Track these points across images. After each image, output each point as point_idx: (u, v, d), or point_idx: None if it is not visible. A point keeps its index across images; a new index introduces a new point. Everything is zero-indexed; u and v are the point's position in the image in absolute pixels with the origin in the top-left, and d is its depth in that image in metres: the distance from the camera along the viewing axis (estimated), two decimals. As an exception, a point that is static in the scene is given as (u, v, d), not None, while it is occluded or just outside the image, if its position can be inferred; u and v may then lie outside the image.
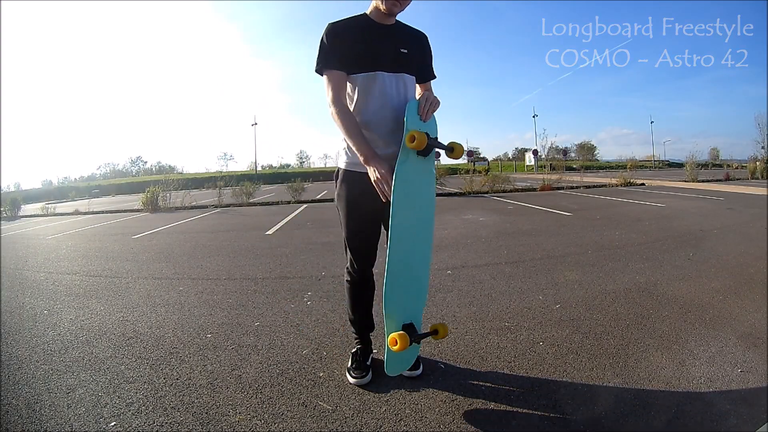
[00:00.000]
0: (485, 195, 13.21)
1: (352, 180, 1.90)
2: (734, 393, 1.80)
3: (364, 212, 1.91)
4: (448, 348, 2.36)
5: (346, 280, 2.09)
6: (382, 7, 1.79)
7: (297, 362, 2.27)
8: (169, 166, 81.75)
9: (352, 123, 1.78)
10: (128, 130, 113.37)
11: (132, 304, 3.48)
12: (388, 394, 1.92)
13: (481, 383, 1.98)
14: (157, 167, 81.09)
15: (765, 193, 10.40)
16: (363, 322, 2.16)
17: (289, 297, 3.44)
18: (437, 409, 1.78)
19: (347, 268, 2.07)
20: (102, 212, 14.88)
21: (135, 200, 16.79)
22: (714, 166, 37.78)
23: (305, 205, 12.40)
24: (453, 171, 25.57)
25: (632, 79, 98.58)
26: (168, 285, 4.04)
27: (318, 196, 15.57)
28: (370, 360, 2.16)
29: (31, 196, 33.41)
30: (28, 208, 18.90)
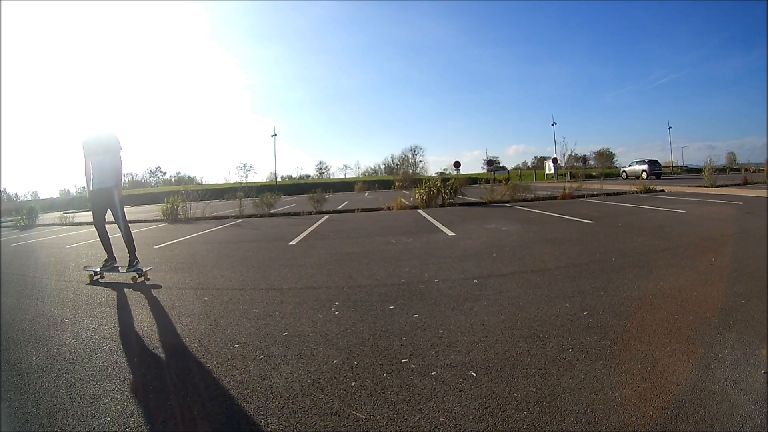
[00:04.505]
0: (507, 204, 12.97)
1: None
2: (758, 394, 1.81)
3: None
4: (479, 356, 2.31)
5: None
6: None
7: (328, 372, 2.20)
8: (188, 176, 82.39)
9: None
10: (147, 141, 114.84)
11: (156, 313, 3.45)
12: (422, 403, 1.87)
13: (513, 390, 1.94)
14: (176, 178, 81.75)
15: None
16: None
17: (316, 307, 3.37)
18: (471, 417, 1.75)
19: None
20: (122, 222, 14.86)
21: (154, 210, 16.92)
22: (732, 171, 36.84)
23: (327, 216, 12.31)
24: (473, 181, 25.35)
25: (652, 88, 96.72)
26: (192, 295, 4.00)
27: (339, 207, 15.43)
28: None
29: (49, 206, 33.58)
30: (45, 218, 19.05)
